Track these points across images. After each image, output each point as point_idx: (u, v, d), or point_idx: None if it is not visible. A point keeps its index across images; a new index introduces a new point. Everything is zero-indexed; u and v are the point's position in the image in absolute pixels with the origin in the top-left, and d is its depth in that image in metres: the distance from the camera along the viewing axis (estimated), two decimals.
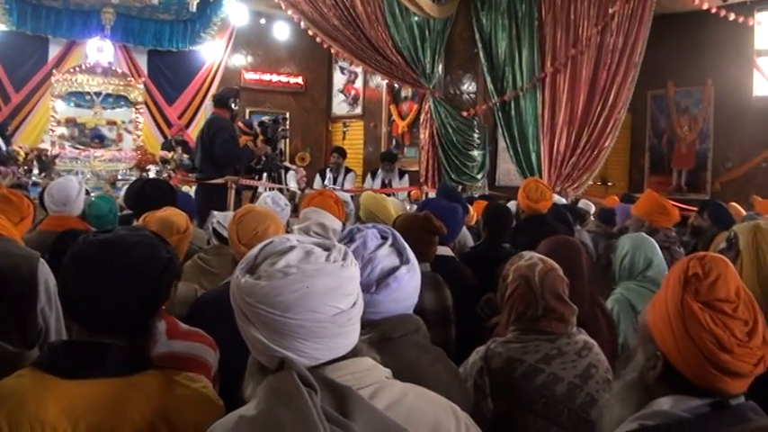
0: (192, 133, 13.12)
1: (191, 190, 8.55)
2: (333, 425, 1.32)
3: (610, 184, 13.21)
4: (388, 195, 7.58)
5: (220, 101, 8.14)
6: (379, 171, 11.66)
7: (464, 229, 6.10)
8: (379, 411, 1.45)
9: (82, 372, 1.85)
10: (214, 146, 7.65)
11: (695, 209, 7.37)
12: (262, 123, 8.29)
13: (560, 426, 2.72)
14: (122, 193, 7.38)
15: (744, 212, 7.67)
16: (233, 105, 8.16)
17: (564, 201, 8.26)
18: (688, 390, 1.70)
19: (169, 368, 1.99)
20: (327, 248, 1.59)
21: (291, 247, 1.56)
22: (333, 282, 1.52)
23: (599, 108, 10.38)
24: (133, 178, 10.60)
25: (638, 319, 1.93)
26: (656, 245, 4.34)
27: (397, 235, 2.19)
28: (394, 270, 2.08)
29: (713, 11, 10.10)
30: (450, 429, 1.58)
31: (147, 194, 4.81)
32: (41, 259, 2.49)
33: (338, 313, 1.52)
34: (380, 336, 2.00)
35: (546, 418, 2.72)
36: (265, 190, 7.77)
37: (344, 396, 1.42)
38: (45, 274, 2.47)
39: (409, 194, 11.20)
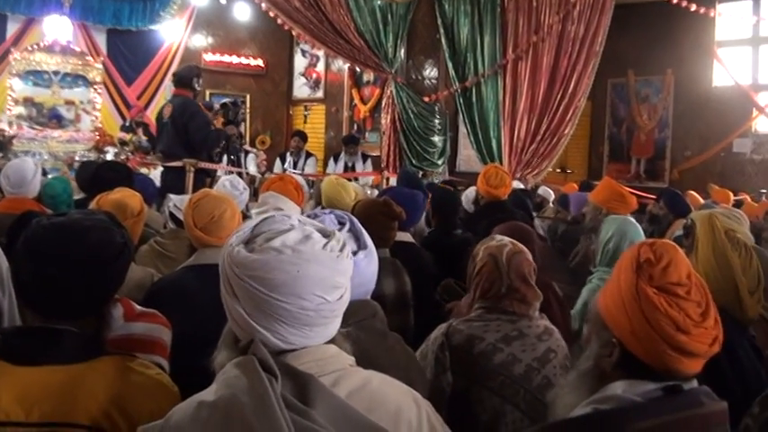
0: (152, 114, 12.96)
1: (150, 173, 8.46)
2: (292, 412, 1.32)
3: (569, 171, 13.32)
4: (351, 180, 7.56)
5: (183, 80, 7.93)
6: (342, 155, 11.59)
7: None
8: (341, 399, 1.45)
9: (36, 358, 1.82)
10: (188, 130, 7.49)
11: (654, 197, 7.46)
12: (224, 105, 8.17)
13: (516, 405, 2.77)
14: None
15: (701, 201, 7.78)
16: (196, 85, 8.00)
17: (523, 186, 8.30)
18: (643, 374, 1.73)
19: (123, 354, 1.97)
20: (327, 236, 1.57)
21: (291, 227, 1.55)
22: (325, 271, 1.51)
23: (559, 95, 10.45)
24: (91, 159, 10.47)
25: (590, 308, 1.96)
26: (641, 229, 4.34)
27: (355, 220, 2.19)
28: (352, 254, 2.07)
29: (674, 1, 10.21)
30: (412, 417, 1.58)
31: (102, 177, 4.76)
32: None
33: (323, 303, 1.51)
34: None
35: (502, 397, 2.77)
36: (224, 173, 7.68)
37: (306, 383, 1.42)
38: None
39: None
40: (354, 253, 2.08)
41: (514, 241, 3.05)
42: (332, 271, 1.52)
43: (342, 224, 2.16)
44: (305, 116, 15.24)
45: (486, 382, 2.78)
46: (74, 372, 1.83)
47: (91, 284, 1.90)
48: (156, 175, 7.98)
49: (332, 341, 1.59)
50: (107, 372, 1.86)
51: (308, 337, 1.53)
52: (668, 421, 1.66)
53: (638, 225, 4.39)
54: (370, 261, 2.16)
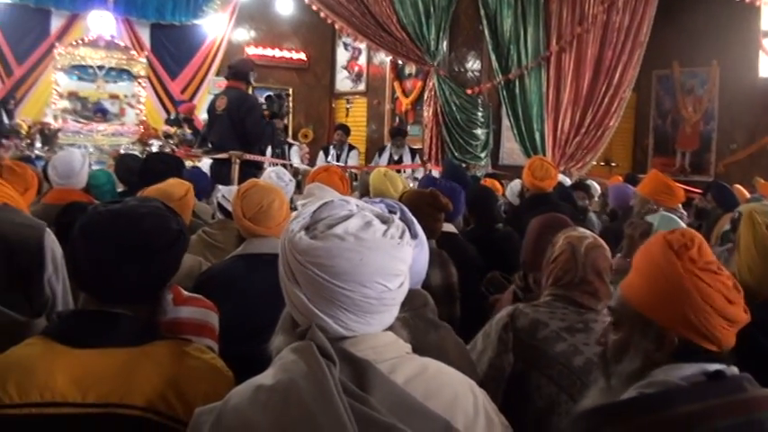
0: (198, 111, 13.06)
1: (197, 164, 8.52)
2: (351, 398, 1.32)
3: (614, 164, 13.18)
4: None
5: (239, 73, 7.90)
6: (387, 147, 11.54)
7: None
8: (398, 386, 1.44)
9: (92, 341, 1.84)
10: (245, 123, 7.54)
11: (699, 191, 7.36)
12: (269, 98, 8.18)
13: (571, 396, 2.73)
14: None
15: (748, 195, 7.64)
16: (251, 79, 8.02)
17: (569, 180, 8.23)
18: (688, 357, 1.75)
19: (179, 338, 1.99)
20: (385, 221, 1.55)
21: (351, 213, 1.53)
22: (387, 259, 1.49)
23: (604, 87, 10.35)
24: (136, 153, 10.59)
25: (619, 314, 1.93)
26: (684, 225, 4.28)
27: (406, 210, 2.17)
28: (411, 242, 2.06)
29: None
30: (468, 406, 1.56)
31: (151, 168, 4.80)
32: (48, 229, 2.48)
33: (385, 291, 1.49)
34: None
35: (559, 386, 2.74)
36: (269, 165, 7.71)
37: (363, 370, 1.41)
38: (51, 243, 2.47)
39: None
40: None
41: (596, 236, 3.03)
42: (393, 259, 1.51)
43: (392, 212, 2.15)
44: (347, 109, 15.27)
45: (544, 369, 2.76)
46: (130, 355, 1.84)
47: (146, 270, 1.91)
48: (203, 167, 8.02)
49: (389, 328, 1.57)
50: (163, 355, 1.87)
51: (368, 324, 1.51)
52: (712, 405, 1.66)
53: (680, 221, 4.33)
54: (421, 251, 2.15)
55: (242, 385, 1.45)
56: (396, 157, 11.16)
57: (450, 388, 1.57)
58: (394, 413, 1.37)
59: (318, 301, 1.47)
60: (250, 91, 8.42)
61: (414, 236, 2.11)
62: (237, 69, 7.99)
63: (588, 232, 3.05)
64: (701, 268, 1.76)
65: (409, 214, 2.17)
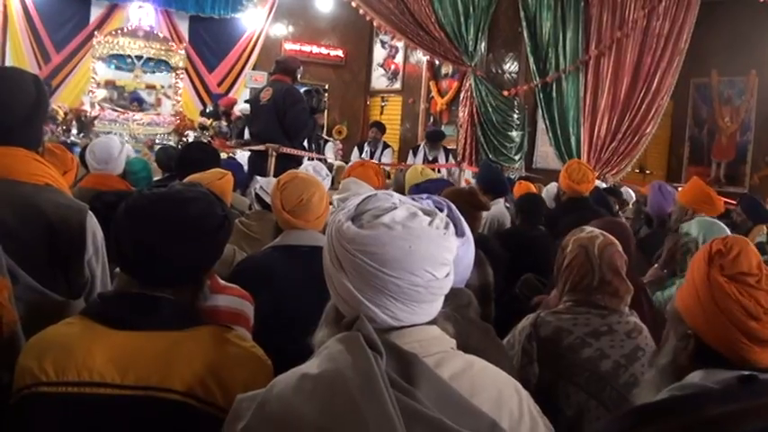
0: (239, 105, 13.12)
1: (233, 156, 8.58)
2: (397, 391, 1.30)
3: (648, 172, 13.05)
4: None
5: (287, 69, 8.00)
6: (421, 147, 11.54)
7: (503, 208, 6.10)
8: (443, 381, 1.43)
9: (133, 323, 1.84)
10: (286, 115, 7.61)
11: (734, 202, 7.28)
12: (308, 92, 8.24)
13: (601, 402, 2.72)
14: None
15: None
16: (298, 76, 8.16)
17: (605, 185, 8.17)
18: (720, 365, 1.77)
19: (219, 325, 1.98)
20: (430, 214, 1.56)
21: (395, 205, 1.53)
22: (434, 248, 1.49)
23: (642, 93, 10.28)
24: (171, 143, 10.67)
25: (668, 306, 1.97)
26: (728, 231, 4.20)
27: (453, 207, 2.15)
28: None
29: (761, 0, 9.91)
30: (513, 406, 1.55)
31: (191, 157, 4.81)
32: (89, 212, 2.48)
33: (433, 280, 1.49)
34: None
35: (588, 392, 2.73)
36: (306, 160, 7.75)
37: (410, 363, 1.40)
38: (93, 226, 2.48)
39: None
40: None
41: (605, 233, 2.99)
42: (440, 248, 1.51)
43: (440, 209, 2.13)
44: (382, 107, 15.27)
45: (572, 377, 2.74)
46: (171, 338, 1.84)
47: (190, 254, 1.92)
48: (242, 159, 8.07)
49: (433, 322, 1.57)
50: (204, 341, 1.86)
51: (415, 314, 1.51)
52: (744, 408, 1.67)
53: (725, 227, 4.26)
54: (467, 249, 2.14)
55: (286, 373, 1.44)
56: (430, 158, 11.15)
57: (496, 387, 1.56)
58: (440, 408, 1.35)
59: (366, 290, 1.47)
60: None
61: (461, 233, 2.09)
62: (286, 65, 8.12)
63: (597, 230, 3.01)
64: (729, 276, 1.77)
65: (456, 212, 2.15)
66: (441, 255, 1.51)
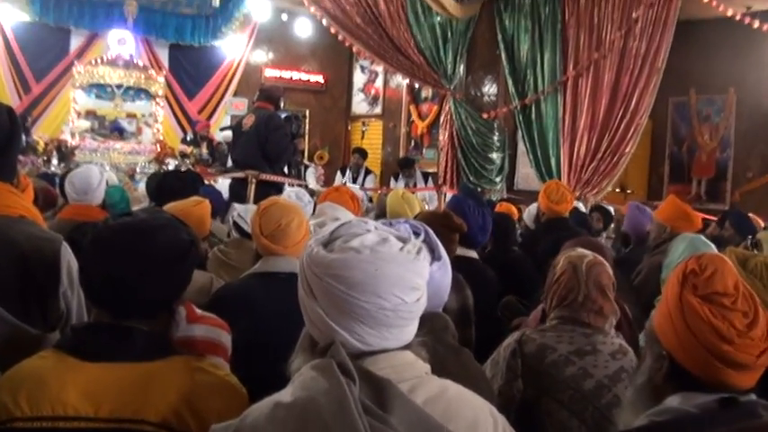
0: (213, 129, 13.15)
1: (216, 183, 8.56)
2: (370, 417, 1.30)
3: (629, 191, 13.11)
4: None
5: (271, 96, 8.07)
6: (400, 176, 11.63)
7: None
8: (417, 406, 1.43)
9: (106, 355, 1.83)
10: (268, 140, 7.64)
11: (715, 218, 7.32)
12: (287, 118, 8.28)
13: (583, 421, 2.73)
14: (141, 185, 7.41)
15: (762, 223, 7.59)
16: (281, 104, 8.23)
17: (583, 207, 8.19)
18: (695, 387, 1.73)
19: (191, 354, 1.97)
20: (403, 240, 1.57)
21: (368, 231, 1.55)
22: (402, 272, 1.50)
23: (620, 113, 10.31)
24: (152, 171, 10.63)
25: (646, 324, 1.96)
26: (714, 248, 4.20)
27: (430, 231, 2.15)
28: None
29: (737, 18, 10.02)
30: (488, 430, 1.55)
31: (168, 185, 4.80)
32: (64, 242, 2.47)
33: (401, 304, 1.49)
34: None
35: (570, 411, 2.74)
36: (287, 186, 7.76)
37: (383, 389, 1.40)
38: (68, 256, 2.46)
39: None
40: (429, 264, 2.05)
41: (596, 254, 3.02)
42: (409, 272, 1.52)
43: (417, 234, 2.13)
44: (363, 132, 15.33)
45: (555, 394, 2.75)
46: (144, 369, 1.83)
47: (159, 282, 1.91)
48: (223, 186, 8.07)
49: (407, 347, 1.56)
50: (177, 371, 1.85)
51: (385, 339, 1.51)
52: None
53: (710, 244, 4.27)
54: (444, 273, 2.15)
55: (260, 402, 1.44)
56: (410, 185, 11.22)
57: (471, 411, 1.56)
58: None
59: (335, 315, 1.48)
60: None
61: (438, 258, 2.09)
62: (270, 93, 8.20)
63: (588, 251, 3.05)
64: (701, 297, 1.73)
65: (433, 236, 2.14)
66: (410, 279, 1.51)
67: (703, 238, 4.34)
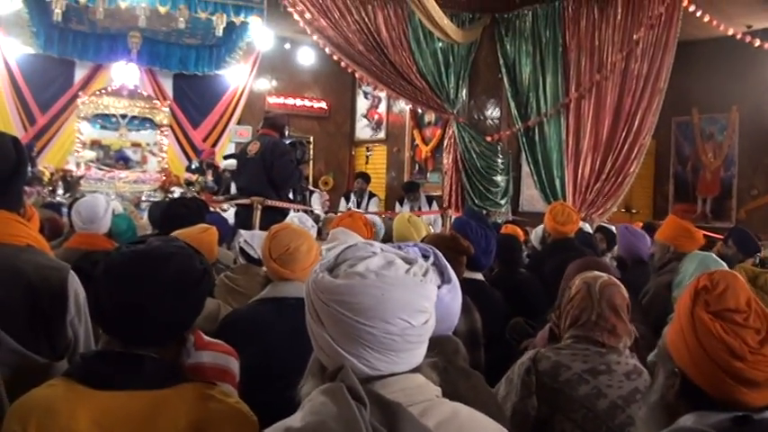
0: (218, 157, 13.20)
1: (219, 211, 8.57)
2: None
3: (634, 211, 13.11)
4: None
5: (276, 124, 8.06)
6: (405, 200, 11.64)
7: None
8: (429, 430, 1.41)
9: (116, 383, 1.82)
10: (273, 167, 7.63)
11: (721, 237, 7.30)
12: (293, 144, 8.29)
13: None
14: (147, 213, 7.42)
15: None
16: (285, 132, 8.19)
17: (589, 227, 8.17)
18: (708, 405, 1.70)
19: (202, 381, 1.96)
20: (409, 262, 1.55)
21: (373, 254, 1.53)
22: (409, 295, 1.48)
23: (624, 134, 10.31)
24: (157, 199, 10.66)
25: (659, 342, 1.94)
26: (725, 265, 4.18)
27: (439, 254, 2.14)
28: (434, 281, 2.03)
29: (738, 37, 10.05)
30: None
31: (174, 213, 4.81)
32: (71, 271, 2.47)
33: (409, 328, 1.47)
34: None
35: (584, 430, 2.71)
36: (292, 211, 7.76)
37: (394, 413, 1.38)
38: (75, 285, 2.46)
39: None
40: (438, 287, 2.04)
41: (611, 276, 3.03)
42: (416, 295, 1.50)
43: (426, 257, 2.13)
44: (367, 157, 15.36)
45: (568, 413, 2.75)
46: (155, 397, 1.82)
47: (171, 310, 1.90)
48: (230, 213, 8.07)
49: (418, 369, 1.55)
50: (187, 398, 1.84)
51: (394, 363, 1.49)
52: None
53: (721, 262, 4.24)
54: (454, 296, 2.14)
55: (271, 428, 1.43)
56: (414, 209, 11.22)
57: None
58: None
59: (343, 341, 1.46)
60: None
61: (447, 280, 2.08)
62: (275, 121, 8.18)
63: (604, 273, 3.06)
64: (713, 314, 1.71)
65: (443, 259, 2.14)
66: (417, 302, 1.49)
67: (714, 256, 4.33)
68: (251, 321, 3.12)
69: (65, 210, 7.30)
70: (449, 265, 2.13)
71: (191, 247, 2.05)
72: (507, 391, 2.89)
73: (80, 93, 12.64)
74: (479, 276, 4.46)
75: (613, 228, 8.15)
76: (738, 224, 10.89)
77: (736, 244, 6.35)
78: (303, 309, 1.57)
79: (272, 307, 3.14)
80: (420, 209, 11.22)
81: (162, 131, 12.79)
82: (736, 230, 6.86)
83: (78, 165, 11.81)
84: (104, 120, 12.45)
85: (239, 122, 14.35)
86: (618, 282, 3.00)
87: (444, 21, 9.87)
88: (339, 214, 5.63)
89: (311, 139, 14.97)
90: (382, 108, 15.28)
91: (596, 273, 3.03)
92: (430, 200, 11.66)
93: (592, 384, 2.76)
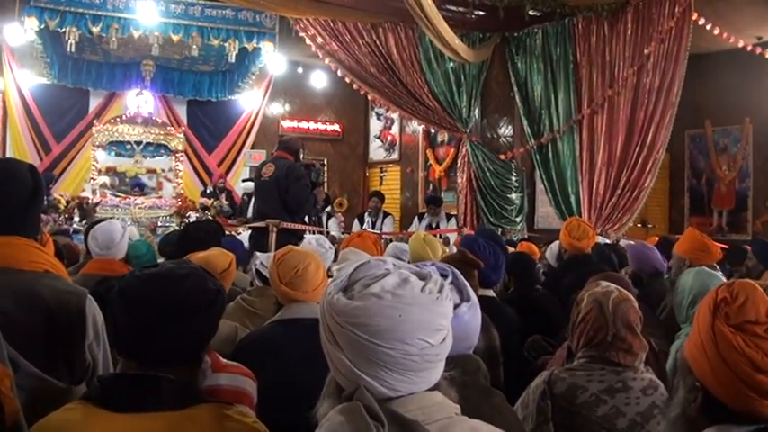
0: (233, 181, 13.28)
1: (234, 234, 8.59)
2: None
3: (650, 225, 13.07)
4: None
5: (291, 148, 8.01)
6: (426, 215, 11.63)
7: None
8: None
9: (134, 405, 1.82)
10: (288, 190, 7.62)
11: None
12: (307, 167, 8.30)
13: None
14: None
15: None
16: (300, 155, 8.17)
17: (607, 241, 8.15)
18: (730, 419, 1.67)
19: (220, 402, 1.96)
20: (423, 278, 1.52)
21: (387, 271, 1.50)
22: (426, 315, 1.45)
23: (637, 148, 10.31)
24: (173, 225, 10.71)
25: (678, 354, 1.92)
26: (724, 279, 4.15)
27: (458, 273, 2.13)
28: (454, 308, 1.99)
29: (748, 49, 10.05)
30: None
31: (191, 236, 4.83)
32: (89, 296, 2.49)
33: (427, 347, 1.45)
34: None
35: None
36: (308, 233, 7.75)
37: (413, 431, 1.37)
38: (93, 309, 2.47)
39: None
40: (457, 305, 2.03)
41: (621, 288, 2.98)
42: (433, 313, 1.47)
43: (444, 276, 2.13)
44: (381, 178, 15.40)
45: None
46: (172, 419, 1.82)
47: (186, 332, 1.91)
48: (244, 237, 8.08)
49: (436, 387, 1.52)
50: (205, 419, 1.84)
51: (413, 383, 1.47)
52: None
53: (715, 273, 4.22)
54: (474, 314, 2.13)
55: None
56: (433, 225, 11.20)
57: None
58: None
59: (360, 363, 1.44)
60: None
61: (466, 299, 2.08)
62: (289, 144, 8.13)
63: (612, 285, 2.99)
64: (734, 326, 1.68)
65: (461, 277, 2.14)
66: (434, 321, 1.47)
67: (706, 268, 4.29)
68: (268, 343, 3.13)
69: (78, 237, 7.33)
70: (467, 283, 2.13)
71: (203, 269, 2.07)
72: (523, 416, 2.85)
73: (95, 121, 12.78)
74: (491, 293, 4.45)
75: (626, 243, 8.12)
76: (755, 236, 10.84)
77: (756, 255, 6.32)
78: (317, 329, 1.55)
79: (287, 328, 3.14)
80: (438, 225, 11.20)
81: (177, 157, 12.88)
82: (756, 242, 6.83)
83: (94, 192, 11.90)
84: (119, 147, 12.56)
85: (253, 147, 14.44)
86: (629, 295, 2.95)
87: (455, 41, 9.90)
88: (348, 235, 5.63)
89: (325, 161, 15.04)
90: (395, 129, 15.35)
91: (605, 287, 2.96)
92: (449, 217, 11.66)
93: (610, 404, 2.72)
